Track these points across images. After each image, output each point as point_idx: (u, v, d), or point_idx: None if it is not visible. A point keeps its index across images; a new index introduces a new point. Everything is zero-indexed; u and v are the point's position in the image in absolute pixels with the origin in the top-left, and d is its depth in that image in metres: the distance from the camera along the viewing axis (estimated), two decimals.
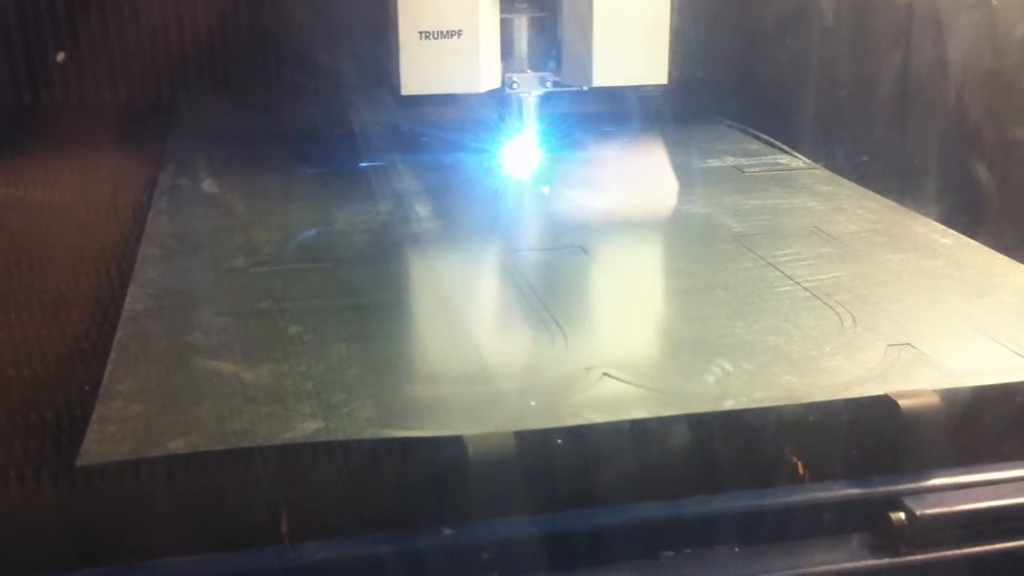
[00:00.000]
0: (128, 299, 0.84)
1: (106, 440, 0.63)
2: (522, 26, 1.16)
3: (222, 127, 1.38)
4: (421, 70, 1.09)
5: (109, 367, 0.72)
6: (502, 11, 1.12)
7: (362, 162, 1.25)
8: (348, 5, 1.38)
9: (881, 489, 0.68)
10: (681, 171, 1.23)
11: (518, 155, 1.19)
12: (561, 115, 1.33)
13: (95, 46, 1.38)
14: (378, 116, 1.31)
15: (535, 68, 1.17)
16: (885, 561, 0.66)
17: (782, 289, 0.86)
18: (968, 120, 1.17)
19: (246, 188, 1.14)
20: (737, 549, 0.66)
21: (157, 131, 1.35)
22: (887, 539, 0.66)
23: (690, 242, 1.01)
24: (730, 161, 1.26)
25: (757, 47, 1.48)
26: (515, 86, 1.15)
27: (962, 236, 0.98)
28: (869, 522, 0.67)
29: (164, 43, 1.40)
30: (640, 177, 1.24)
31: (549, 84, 1.17)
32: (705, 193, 1.13)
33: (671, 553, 0.65)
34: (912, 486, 0.68)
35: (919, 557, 0.66)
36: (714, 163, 1.25)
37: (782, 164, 1.25)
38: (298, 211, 1.07)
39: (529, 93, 1.17)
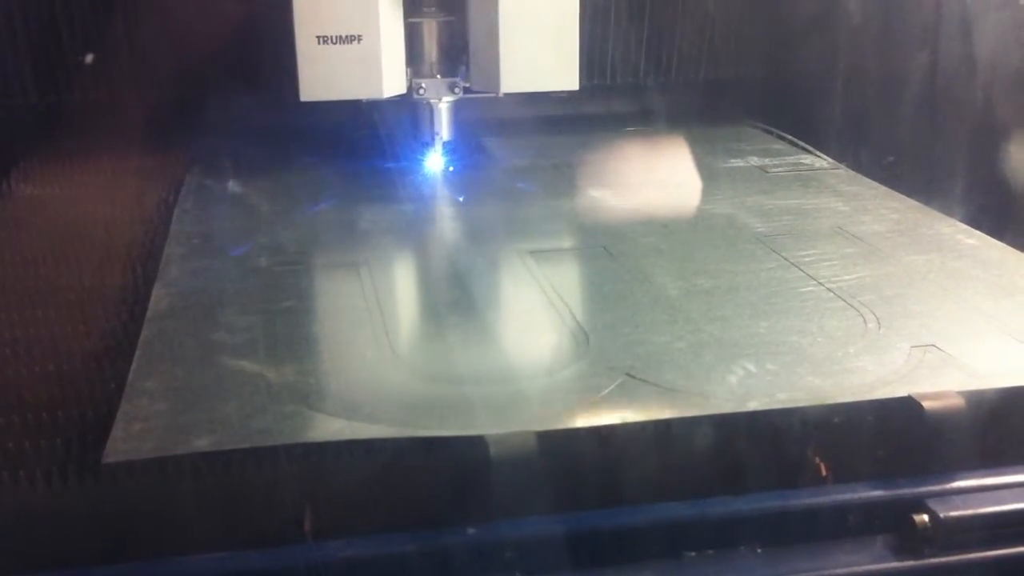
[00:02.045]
0: (153, 298, 0.84)
1: (131, 438, 0.63)
2: (430, 30, 1.15)
3: (248, 126, 1.39)
4: (320, 76, 1.07)
5: (134, 365, 0.73)
6: (408, 15, 1.11)
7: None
8: None
9: (905, 491, 0.67)
10: (704, 171, 1.23)
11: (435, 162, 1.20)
12: (585, 115, 1.34)
13: (121, 45, 1.39)
14: None
15: (445, 74, 1.16)
16: (909, 563, 0.65)
17: (805, 290, 0.86)
18: (995, 120, 1.16)
19: (271, 187, 1.14)
20: (760, 550, 0.66)
21: (183, 129, 1.36)
22: (911, 541, 0.66)
23: (713, 242, 1.00)
24: (753, 161, 1.25)
25: (783, 46, 1.48)
26: (422, 92, 1.14)
27: (988, 237, 0.98)
28: (893, 524, 0.67)
29: (190, 41, 1.40)
30: (663, 176, 1.24)
31: (459, 90, 1.16)
32: (728, 193, 1.13)
33: (694, 554, 0.65)
34: (936, 488, 0.67)
35: (943, 560, 0.66)
36: (737, 163, 1.25)
37: (806, 164, 1.24)
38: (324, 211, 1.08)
39: (439, 99, 1.16)
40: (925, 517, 0.66)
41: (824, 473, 0.69)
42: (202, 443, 0.62)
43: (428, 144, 1.19)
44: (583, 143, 1.35)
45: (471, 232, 1.05)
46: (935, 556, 0.65)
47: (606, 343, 0.77)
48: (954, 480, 0.68)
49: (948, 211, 1.05)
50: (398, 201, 1.12)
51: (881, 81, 1.32)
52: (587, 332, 0.78)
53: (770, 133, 1.38)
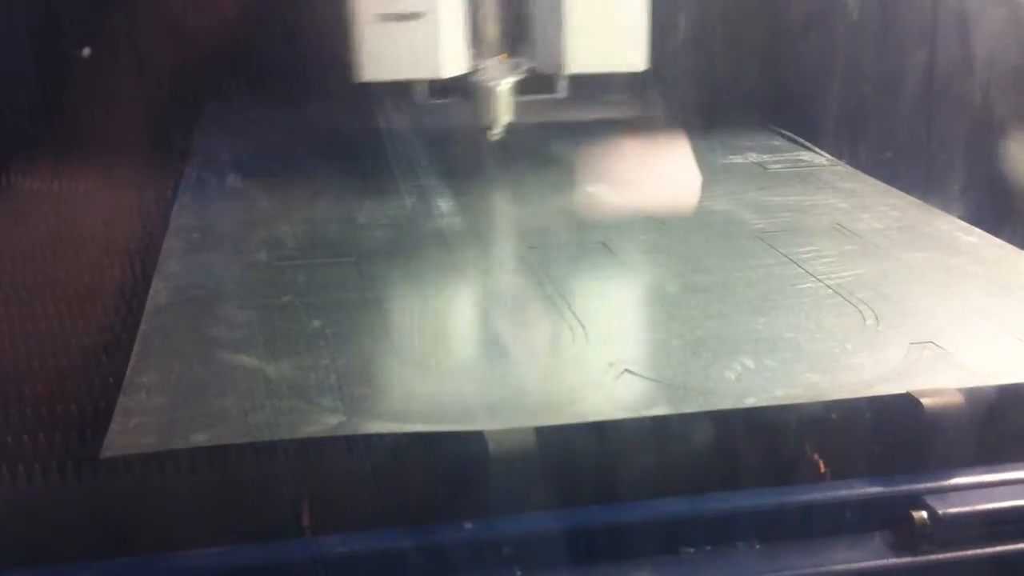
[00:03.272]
0: (151, 292, 0.84)
1: (130, 432, 0.63)
2: (493, 9, 1.10)
3: (248, 122, 1.39)
4: (381, 55, 1.04)
5: (133, 360, 0.73)
6: None
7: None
8: None
9: (903, 488, 0.67)
10: (704, 167, 1.23)
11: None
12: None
13: (123, 41, 1.39)
14: None
15: (507, 54, 1.11)
16: (907, 560, 0.65)
17: (804, 286, 0.86)
18: (993, 117, 1.16)
19: (270, 184, 1.14)
20: (758, 546, 0.66)
21: (183, 126, 1.36)
22: (909, 538, 0.66)
23: (712, 238, 1.00)
24: (753, 157, 1.25)
25: (782, 44, 1.48)
26: (483, 73, 1.09)
27: (986, 234, 0.98)
28: (891, 520, 0.67)
29: (192, 39, 1.41)
30: (663, 173, 1.24)
31: (522, 71, 1.11)
32: (727, 190, 1.13)
33: (692, 550, 0.65)
34: (934, 485, 0.68)
35: (941, 556, 0.66)
36: (737, 159, 1.25)
37: (805, 161, 1.24)
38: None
39: (498, 81, 1.09)
40: (923, 514, 0.66)
41: (822, 469, 0.69)
42: (200, 438, 0.62)
43: (487, 127, 1.12)
44: (582, 138, 1.35)
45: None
46: (933, 552, 0.65)
47: (603, 338, 0.77)
48: (952, 477, 0.68)
49: (946, 208, 1.05)
50: None
51: (880, 78, 1.32)
52: (584, 327, 0.78)
53: (770, 130, 1.37)
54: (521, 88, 1.12)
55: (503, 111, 1.10)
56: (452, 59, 1.05)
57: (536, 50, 1.10)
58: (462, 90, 1.12)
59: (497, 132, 1.12)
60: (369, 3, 1.03)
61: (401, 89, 1.12)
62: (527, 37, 1.10)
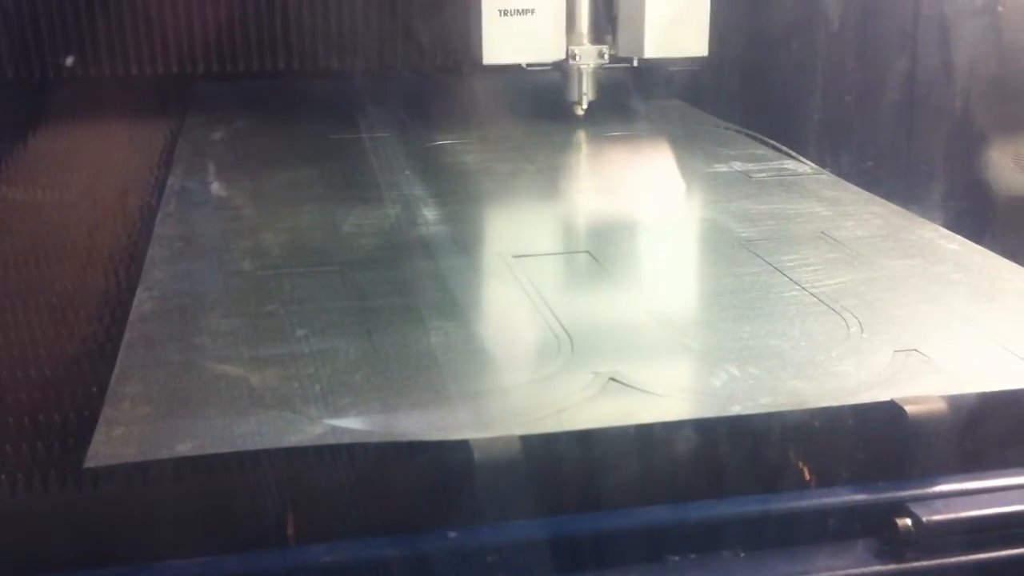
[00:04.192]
0: (136, 301, 0.84)
1: (113, 442, 0.63)
2: (583, 5, 1.35)
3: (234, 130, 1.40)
4: (500, 43, 1.29)
5: (116, 369, 0.72)
6: None
7: None
8: None
9: (887, 495, 0.68)
10: (688, 176, 1.23)
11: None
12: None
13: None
14: None
15: (594, 42, 1.36)
16: (891, 567, 0.66)
17: (789, 294, 0.86)
18: (974, 126, 1.17)
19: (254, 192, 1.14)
20: (743, 554, 0.66)
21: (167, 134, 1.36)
22: (893, 545, 0.66)
23: (697, 247, 1.01)
24: (737, 166, 1.26)
25: (763, 52, 1.48)
26: (577, 58, 1.35)
27: (969, 241, 0.98)
28: (875, 527, 0.67)
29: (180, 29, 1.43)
30: (647, 182, 1.24)
31: (605, 56, 1.36)
32: (712, 198, 1.13)
33: (676, 558, 0.65)
34: (918, 492, 0.68)
35: (925, 563, 0.66)
36: (721, 168, 1.25)
37: (789, 169, 1.25)
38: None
39: (588, 64, 1.36)
40: (907, 521, 0.66)
41: (807, 477, 0.69)
42: (184, 447, 0.62)
43: (575, 101, 1.39)
44: (567, 145, 1.36)
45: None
46: (917, 559, 0.66)
47: (589, 347, 0.77)
48: (936, 484, 0.68)
49: (928, 216, 1.06)
50: None
51: (861, 87, 1.33)
52: (570, 335, 0.78)
53: (753, 138, 1.38)
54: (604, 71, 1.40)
55: (589, 89, 1.39)
56: (554, 46, 1.33)
57: (619, 39, 1.36)
58: (559, 71, 1.39)
59: (583, 106, 1.39)
60: (492, 1, 1.29)
61: None
62: (612, 28, 1.37)
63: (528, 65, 1.34)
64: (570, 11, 1.34)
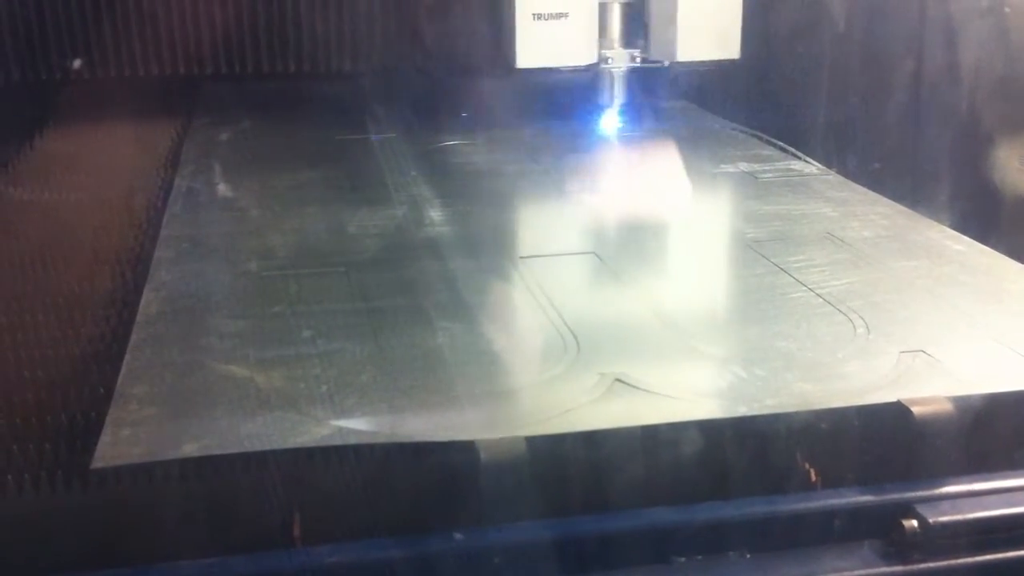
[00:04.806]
0: (143, 302, 0.84)
1: (120, 443, 0.63)
2: (615, 10, 1.36)
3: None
4: (533, 46, 1.29)
5: (123, 370, 0.72)
6: None
7: None
8: None
9: (893, 496, 0.68)
10: (695, 177, 1.23)
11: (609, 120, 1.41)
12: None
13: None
14: None
15: (625, 46, 1.37)
16: (897, 568, 0.65)
17: (795, 295, 0.86)
18: (980, 126, 1.17)
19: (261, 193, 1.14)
20: (749, 555, 0.66)
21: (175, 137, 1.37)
22: (899, 546, 0.66)
23: (703, 248, 1.01)
24: (743, 167, 1.26)
25: (770, 53, 1.48)
26: (609, 61, 1.36)
27: (975, 242, 0.98)
28: (881, 529, 0.67)
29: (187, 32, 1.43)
30: (654, 183, 1.24)
31: (637, 59, 1.37)
32: (718, 199, 1.13)
33: (682, 559, 0.65)
34: (925, 493, 0.68)
35: (931, 565, 0.66)
36: (728, 169, 1.25)
37: (795, 170, 1.25)
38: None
39: (620, 67, 1.37)
40: (914, 522, 0.66)
41: (813, 478, 0.69)
42: (191, 448, 0.62)
43: (607, 105, 1.40)
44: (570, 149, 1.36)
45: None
46: (923, 561, 0.66)
47: (595, 348, 0.77)
48: (942, 485, 0.68)
49: (935, 216, 1.06)
50: None
51: (868, 87, 1.33)
52: (577, 337, 0.78)
53: (760, 139, 1.38)
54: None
55: (619, 93, 1.39)
56: (586, 50, 1.33)
57: (651, 42, 1.36)
58: (591, 74, 1.39)
59: (614, 109, 1.40)
60: (525, 5, 1.29)
61: None
62: (644, 32, 1.37)
63: (562, 68, 1.35)
64: (602, 15, 1.35)
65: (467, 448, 0.63)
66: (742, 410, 0.68)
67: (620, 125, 1.40)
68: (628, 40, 1.37)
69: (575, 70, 1.34)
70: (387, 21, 1.55)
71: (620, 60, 1.36)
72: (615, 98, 1.39)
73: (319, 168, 1.24)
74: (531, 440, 0.63)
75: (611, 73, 1.37)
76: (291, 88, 1.60)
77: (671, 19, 1.31)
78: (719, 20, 1.32)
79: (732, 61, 1.37)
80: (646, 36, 1.36)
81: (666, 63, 1.35)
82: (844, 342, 0.78)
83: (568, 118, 1.43)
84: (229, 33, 1.48)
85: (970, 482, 0.69)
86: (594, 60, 1.34)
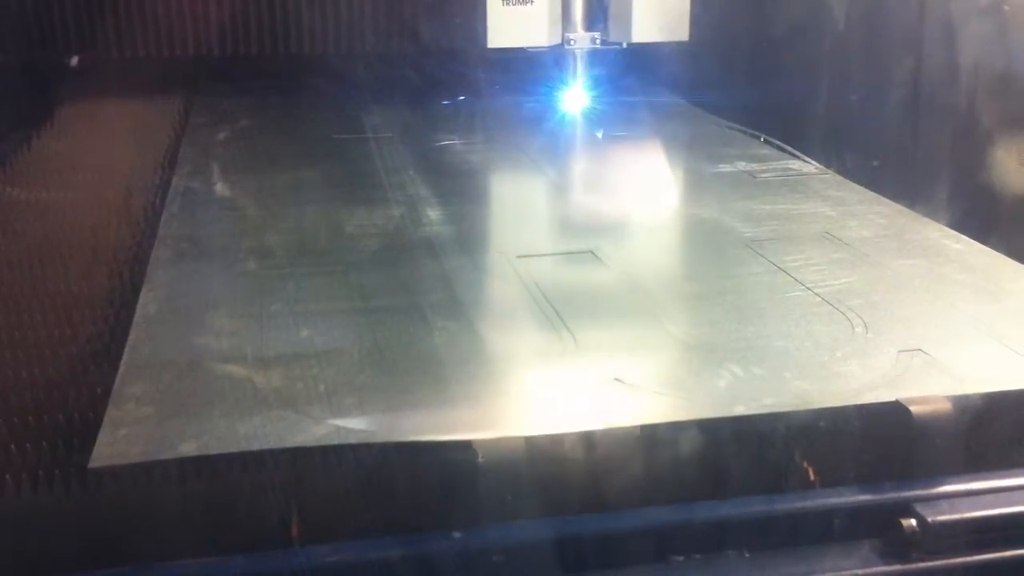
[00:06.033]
0: (140, 302, 0.84)
1: (118, 443, 0.63)
2: None
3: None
4: (503, 29, 1.43)
5: (121, 370, 0.72)
6: None
7: None
8: None
9: (892, 495, 0.68)
10: (692, 176, 1.23)
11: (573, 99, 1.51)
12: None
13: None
14: None
15: (587, 29, 1.48)
16: (896, 567, 0.66)
17: (793, 294, 0.86)
18: (979, 125, 1.17)
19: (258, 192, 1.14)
20: (748, 554, 0.66)
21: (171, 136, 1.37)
22: (898, 545, 0.66)
23: (701, 247, 1.01)
24: (741, 166, 1.26)
25: (769, 52, 1.48)
26: (572, 43, 1.48)
27: (974, 242, 0.98)
28: (880, 528, 0.67)
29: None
30: (651, 181, 1.24)
31: (597, 41, 1.48)
32: (716, 198, 1.13)
33: (681, 558, 0.65)
34: (923, 492, 0.68)
35: (930, 564, 0.66)
36: (725, 168, 1.25)
37: (793, 169, 1.25)
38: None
39: (581, 48, 1.48)
40: (912, 521, 0.66)
41: (812, 477, 0.69)
42: (188, 448, 0.62)
43: (570, 83, 1.51)
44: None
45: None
46: (922, 560, 0.66)
47: (593, 347, 0.77)
48: (941, 484, 0.68)
49: (934, 216, 1.06)
50: None
51: (866, 86, 1.33)
52: (574, 335, 0.78)
53: (757, 138, 1.38)
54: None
55: (581, 71, 1.50)
56: (551, 32, 1.46)
57: (609, 25, 1.48)
58: (555, 54, 1.51)
59: (576, 86, 1.50)
60: None
61: None
62: (604, 16, 1.49)
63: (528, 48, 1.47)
64: (566, 2, 1.47)
65: (465, 447, 0.63)
66: (740, 409, 0.68)
67: (586, 102, 1.50)
68: (590, 24, 1.49)
69: (540, 49, 1.47)
70: (377, 11, 1.68)
71: (582, 42, 1.48)
72: (578, 75, 1.50)
73: (317, 166, 1.24)
74: (529, 439, 0.63)
75: (574, 53, 1.48)
76: (286, 70, 1.67)
77: (628, 4, 1.44)
78: (670, 6, 1.45)
79: (717, 60, 1.50)
80: (605, 20, 1.49)
81: (624, 44, 1.47)
82: (842, 341, 0.78)
83: (535, 93, 1.54)
84: (229, 17, 1.51)
85: (968, 481, 0.69)
86: (558, 41, 1.47)
